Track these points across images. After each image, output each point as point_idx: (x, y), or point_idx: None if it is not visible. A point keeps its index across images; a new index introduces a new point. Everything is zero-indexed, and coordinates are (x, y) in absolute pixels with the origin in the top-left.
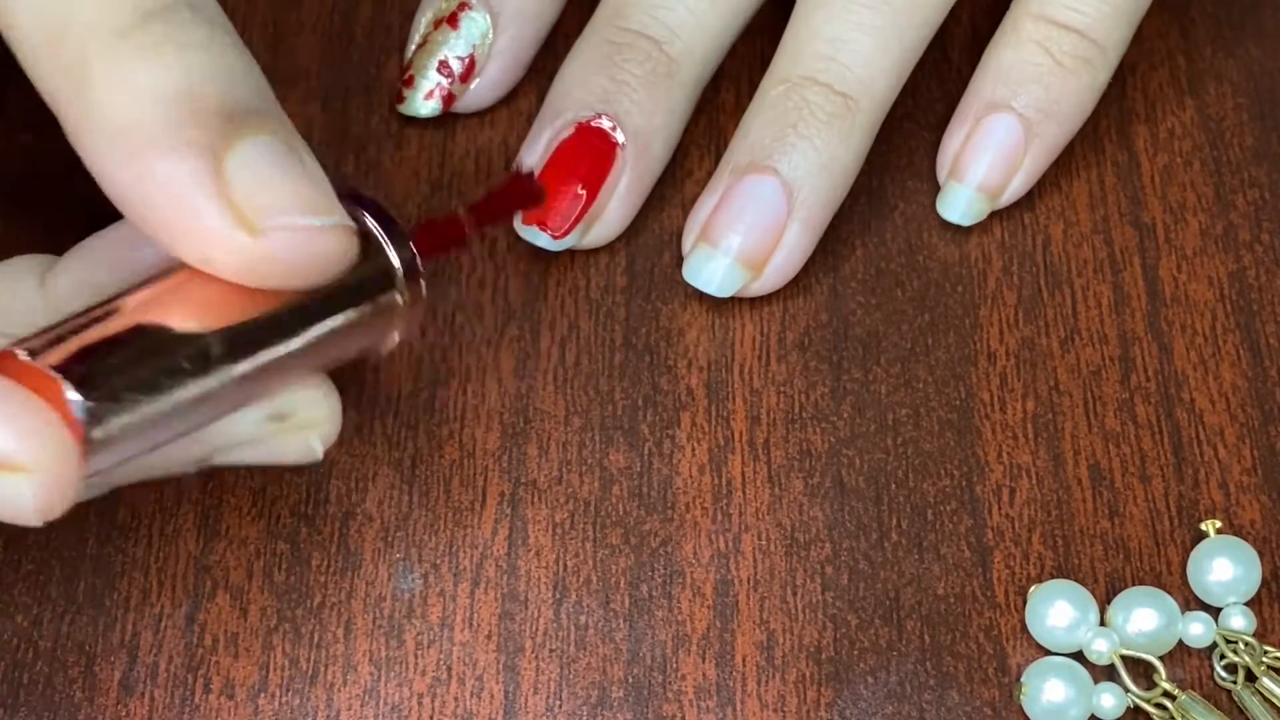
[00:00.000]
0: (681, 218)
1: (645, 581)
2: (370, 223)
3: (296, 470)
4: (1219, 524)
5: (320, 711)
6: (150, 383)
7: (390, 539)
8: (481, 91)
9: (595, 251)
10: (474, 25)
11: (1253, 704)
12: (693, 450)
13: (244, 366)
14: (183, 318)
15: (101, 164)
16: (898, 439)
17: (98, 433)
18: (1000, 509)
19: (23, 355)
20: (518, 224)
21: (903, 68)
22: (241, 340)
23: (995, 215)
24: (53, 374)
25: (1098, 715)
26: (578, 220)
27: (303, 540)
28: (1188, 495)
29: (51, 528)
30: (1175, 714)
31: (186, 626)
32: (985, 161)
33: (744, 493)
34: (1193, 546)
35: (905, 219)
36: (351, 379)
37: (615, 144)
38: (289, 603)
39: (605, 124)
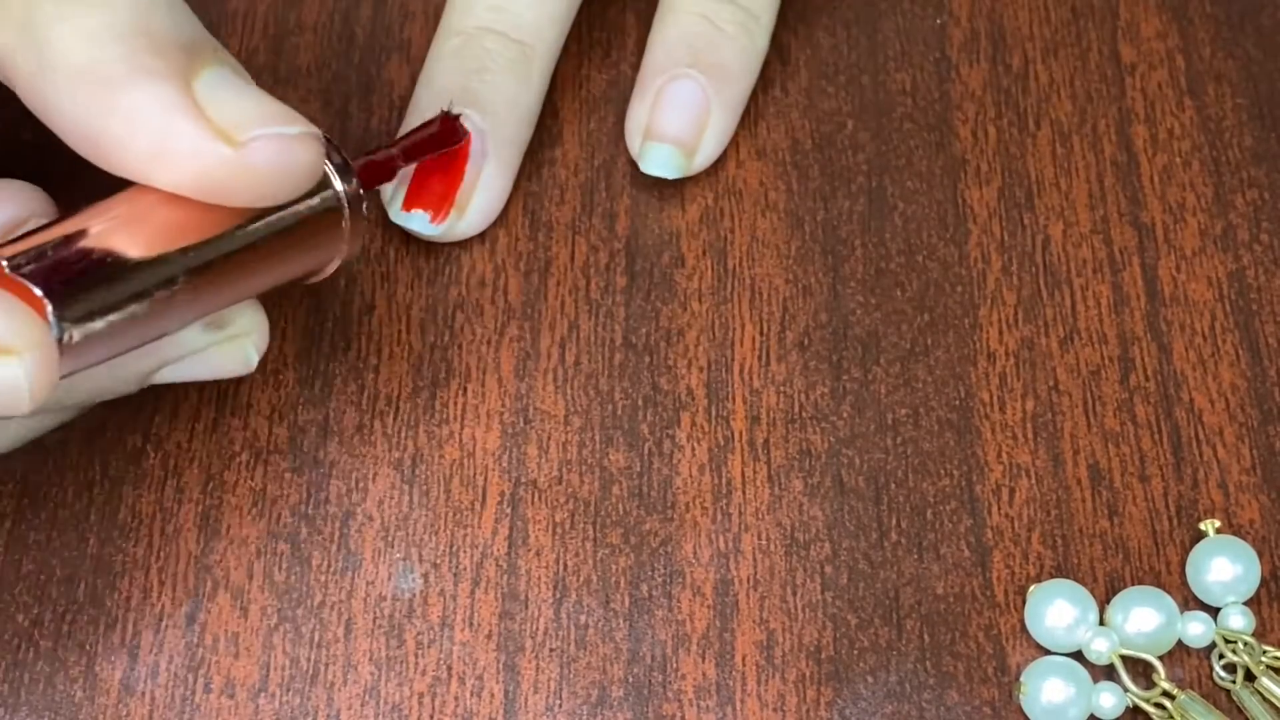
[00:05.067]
0: (680, 219)
1: (645, 581)
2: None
3: (296, 470)
4: (1218, 524)
5: (320, 711)
6: (118, 303)
7: (390, 539)
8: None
9: (595, 251)
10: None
11: (1252, 703)
12: (693, 450)
13: (205, 283)
14: (150, 240)
15: (62, 106)
16: (897, 439)
17: (73, 335)
18: (1000, 509)
19: (7, 269)
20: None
21: None
22: (204, 259)
23: (995, 215)
24: (37, 291)
25: (1097, 715)
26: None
27: (303, 540)
28: (1187, 495)
29: (52, 527)
30: (1174, 713)
31: (187, 626)
32: (675, 119)
33: (744, 493)
34: (1192, 546)
35: (905, 219)
36: (352, 378)
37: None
38: (289, 602)
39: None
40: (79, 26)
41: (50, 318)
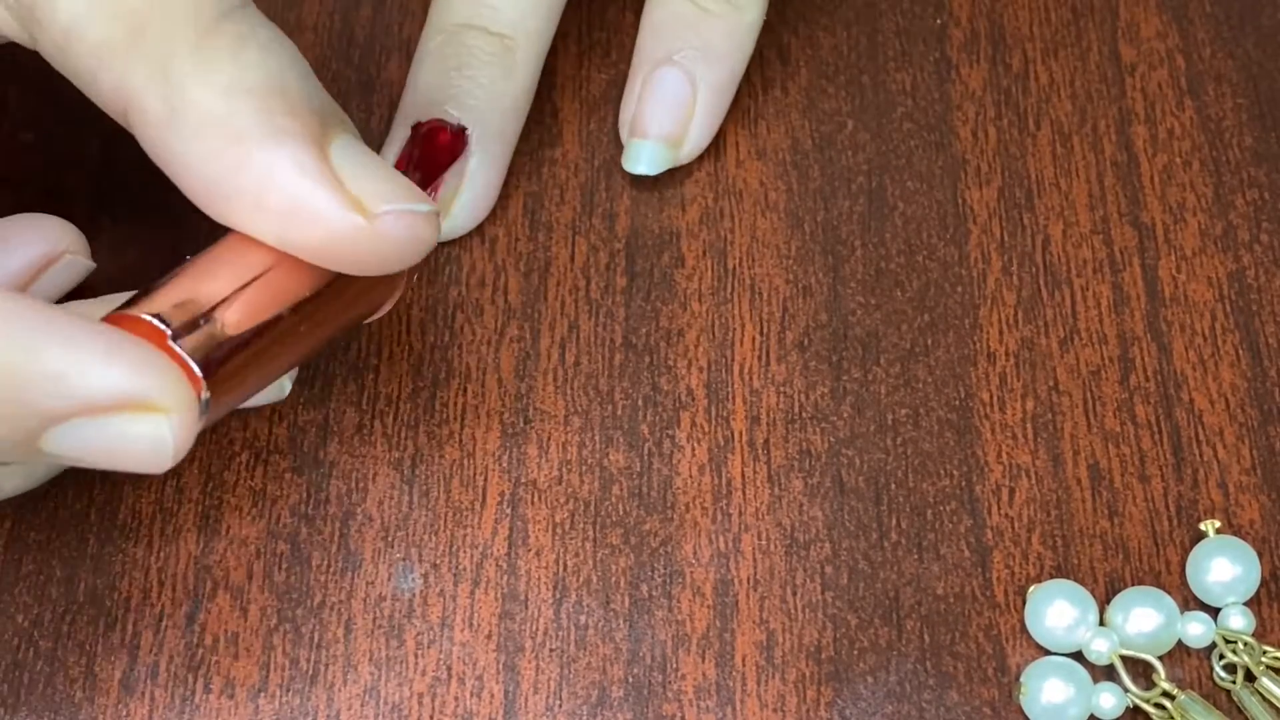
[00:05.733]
0: (680, 219)
1: (645, 581)
2: None
3: (296, 470)
4: (1218, 524)
5: (320, 711)
6: (246, 370)
7: (390, 539)
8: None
9: (596, 251)
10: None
11: (1252, 704)
12: (693, 450)
13: (302, 337)
14: (271, 302)
15: (190, 157)
16: (897, 439)
17: (213, 403)
18: (1000, 509)
19: (171, 340)
20: None
21: None
22: (305, 317)
23: (995, 215)
24: (196, 369)
25: (1097, 715)
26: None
27: (303, 540)
28: (1187, 495)
29: (52, 527)
30: (1174, 714)
31: (187, 626)
32: (658, 114)
33: (744, 493)
34: (1192, 546)
35: (905, 219)
36: (352, 378)
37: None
38: (289, 603)
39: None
40: (215, 77)
41: (203, 389)
